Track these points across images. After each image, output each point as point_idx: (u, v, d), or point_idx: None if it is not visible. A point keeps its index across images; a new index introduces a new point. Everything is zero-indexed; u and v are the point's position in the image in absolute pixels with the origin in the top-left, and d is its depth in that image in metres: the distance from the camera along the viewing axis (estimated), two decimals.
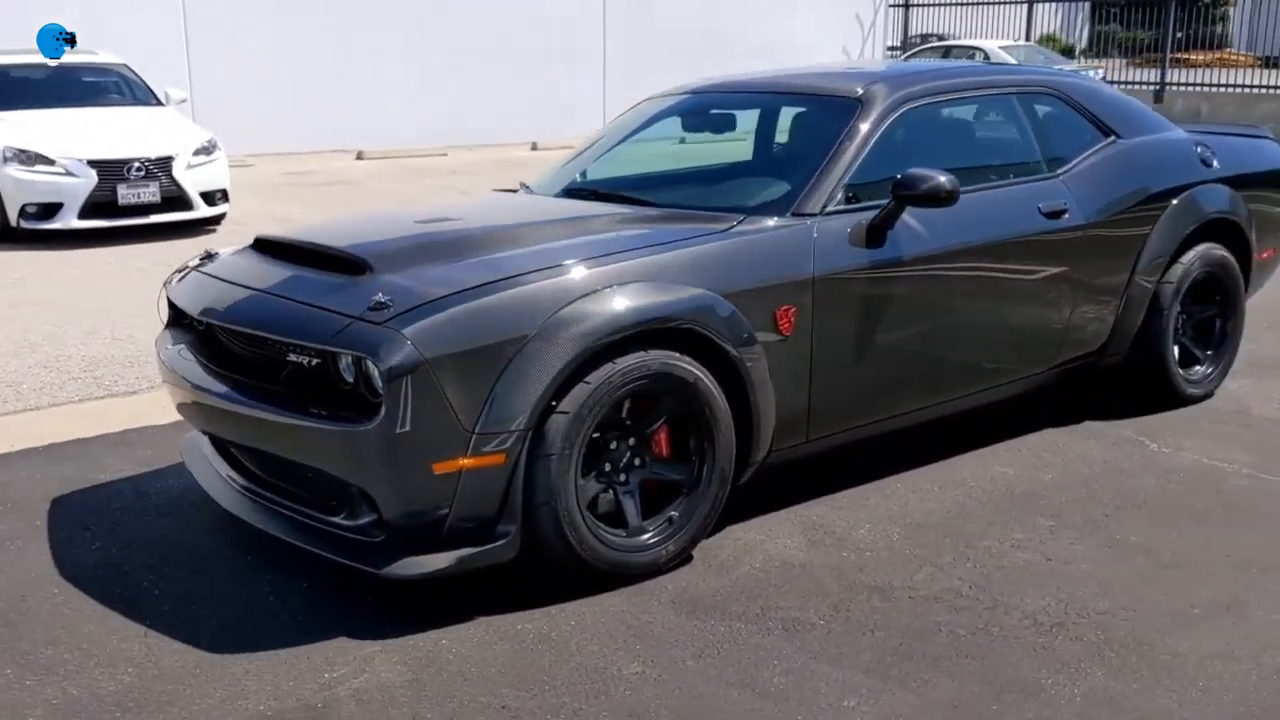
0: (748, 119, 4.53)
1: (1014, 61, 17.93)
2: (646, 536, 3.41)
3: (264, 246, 3.82)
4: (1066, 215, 4.39)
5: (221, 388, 3.43)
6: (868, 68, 4.45)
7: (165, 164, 9.51)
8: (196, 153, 9.81)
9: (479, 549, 3.15)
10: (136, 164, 9.36)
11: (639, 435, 3.43)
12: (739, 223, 3.72)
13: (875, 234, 3.85)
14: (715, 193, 4.13)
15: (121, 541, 3.74)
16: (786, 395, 3.67)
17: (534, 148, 17.10)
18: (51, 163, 9.20)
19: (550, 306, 3.17)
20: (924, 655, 2.96)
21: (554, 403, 3.16)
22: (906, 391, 4.08)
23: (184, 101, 11.19)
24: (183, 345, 3.77)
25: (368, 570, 3.14)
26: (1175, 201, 4.76)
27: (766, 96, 4.52)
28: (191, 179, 9.66)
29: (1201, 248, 4.90)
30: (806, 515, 3.86)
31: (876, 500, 3.98)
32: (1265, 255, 5.37)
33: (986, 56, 18.22)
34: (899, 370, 4.00)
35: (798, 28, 20.62)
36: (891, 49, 24.37)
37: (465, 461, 3.08)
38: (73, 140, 9.40)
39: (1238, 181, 5.08)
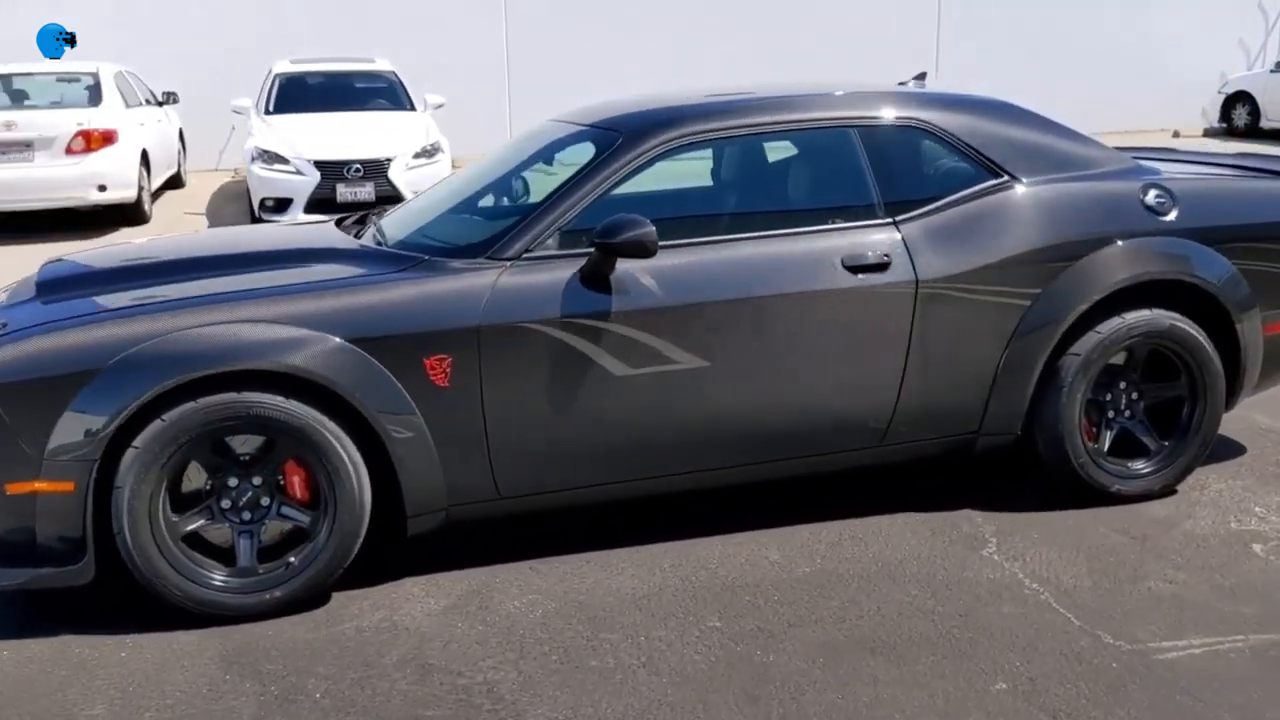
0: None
1: None
2: (251, 579, 3.40)
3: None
4: (889, 269, 3.76)
5: None
6: (676, 100, 4.00)
7: (383, 165, 10.33)
8: (417, 155, 10.57)
9: (54, 570, 3.30)
10: (355, 165, 10.26)
11: (266, 475, 3.43)
12: (411, 266, 3.57)
13: (587, 284, 3.54)
14: (448, 231, 3.92)
15: None
16: (457, 450, 3.50)
17: None
18: (286, 162, 10.31)
19: (123, 344, 3.25)
20: None
21: (127, 437, 3.24)
22: (640, 458, 3.68)
23: (440, 107, 12.05)
24: None
25: None
26: (1089, 256, 3.91)
27: (579, 130, 4.20)
28: (408, 180, 10.41)
29: (1138, 315, 3.98)
30: (491, 577, 3.64)
31: (586, 572, 3.66)
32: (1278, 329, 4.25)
33: None
34: (622, 433, 3.62)
35: (1177, 19, 18.45)
36: None
37: (39, 485, 3.24)
38: (307, 142, 10.46)
39: (1215, 235, 4.07)
